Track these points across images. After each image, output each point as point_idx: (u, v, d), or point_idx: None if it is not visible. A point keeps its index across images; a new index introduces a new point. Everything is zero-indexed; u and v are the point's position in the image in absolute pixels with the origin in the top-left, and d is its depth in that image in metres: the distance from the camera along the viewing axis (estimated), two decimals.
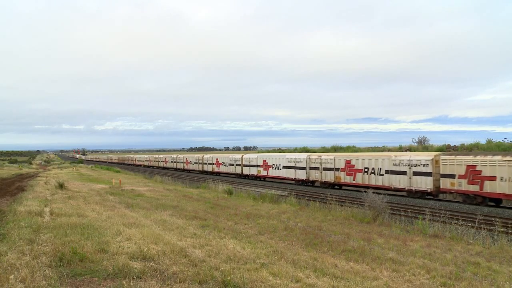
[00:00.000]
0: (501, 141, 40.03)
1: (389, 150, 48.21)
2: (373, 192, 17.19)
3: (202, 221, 13.60)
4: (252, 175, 44.38)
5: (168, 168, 74.92)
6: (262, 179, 43.52)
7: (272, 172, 40.53)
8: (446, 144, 43.13)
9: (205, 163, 57.96)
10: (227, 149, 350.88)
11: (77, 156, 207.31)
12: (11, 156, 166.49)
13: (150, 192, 25.11)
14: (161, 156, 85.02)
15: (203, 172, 57.96)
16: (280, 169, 38.94)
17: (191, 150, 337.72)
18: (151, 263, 7.30)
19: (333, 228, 13.76)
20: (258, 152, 60.04)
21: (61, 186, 23.58)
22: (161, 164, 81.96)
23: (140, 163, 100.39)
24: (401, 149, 46.99)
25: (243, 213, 16.44)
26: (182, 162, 68.56)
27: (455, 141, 45.82)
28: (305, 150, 61.41)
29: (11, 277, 5.79)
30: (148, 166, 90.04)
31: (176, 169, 70.87)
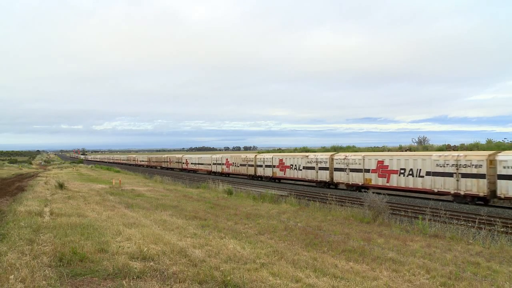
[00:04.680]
0: (501, 141, 40.13)
1: (389, 150, 48.30)
2: (412, 196, 15.63)
3: (202, 221, 13.60)
4: (267, 176, 41.57)
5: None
6: (277, 180, 40.62)
7: (290, 173, 37.61)
8: (446, 144, 43.27)
9: (214, 163, 55.88)
10: (227, 149, 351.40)
11: (82, 156, 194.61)
12: (11, 156, 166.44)
13: (150, 192, 25.10)
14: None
15: (211, 173, 55.76)
16: (300, 170, 36.09)
17: (191, 150, 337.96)
18: (151, 263, 7.30)
19: (333, 228, 13.76)
20: (258, 152, 59.99)
21: (61, 186, 23.58)
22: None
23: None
24: (401, 149, 47.06)
25: (243, 213, 16.44)
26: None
27: (455, 141, 45.94)
28: (305, 150, 61.53)
29: (11, 277, 5.79)
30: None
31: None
